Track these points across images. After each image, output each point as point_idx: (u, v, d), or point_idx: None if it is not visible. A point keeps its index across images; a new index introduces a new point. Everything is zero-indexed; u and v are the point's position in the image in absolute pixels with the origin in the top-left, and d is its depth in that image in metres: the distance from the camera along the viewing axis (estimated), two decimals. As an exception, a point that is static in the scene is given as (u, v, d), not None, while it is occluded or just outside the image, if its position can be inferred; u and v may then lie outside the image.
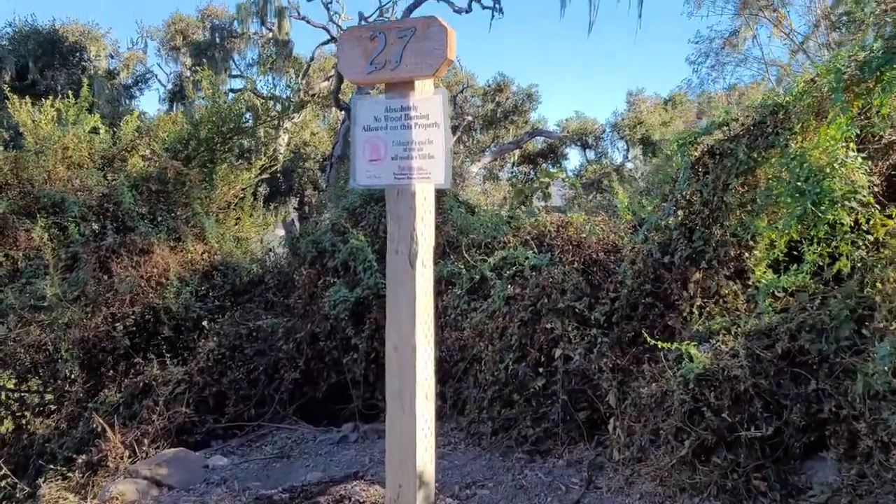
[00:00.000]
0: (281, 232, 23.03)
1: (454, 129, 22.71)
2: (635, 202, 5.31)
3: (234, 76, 24.52)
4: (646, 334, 4.34)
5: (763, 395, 3.69)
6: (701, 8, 15.15)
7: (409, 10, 19.80)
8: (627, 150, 28.77)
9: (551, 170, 8.53)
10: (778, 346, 3.73)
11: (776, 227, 4.15)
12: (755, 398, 3.68)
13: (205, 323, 6.38)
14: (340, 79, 16.96)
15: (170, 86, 24.42)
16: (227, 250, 7.47)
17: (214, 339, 6.06)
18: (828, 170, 3.84)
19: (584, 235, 5.22)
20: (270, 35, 24.61)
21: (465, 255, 5.47)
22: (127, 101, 24.04)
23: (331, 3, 22.12)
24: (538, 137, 26.54)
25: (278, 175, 21.51)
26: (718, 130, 4.45)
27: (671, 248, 4.48)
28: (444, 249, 5.73)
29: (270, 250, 7.58)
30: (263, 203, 21.43)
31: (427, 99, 2.72)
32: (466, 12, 20.22)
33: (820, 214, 3.79)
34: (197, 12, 23.78)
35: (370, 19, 20.13)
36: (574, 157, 30.61)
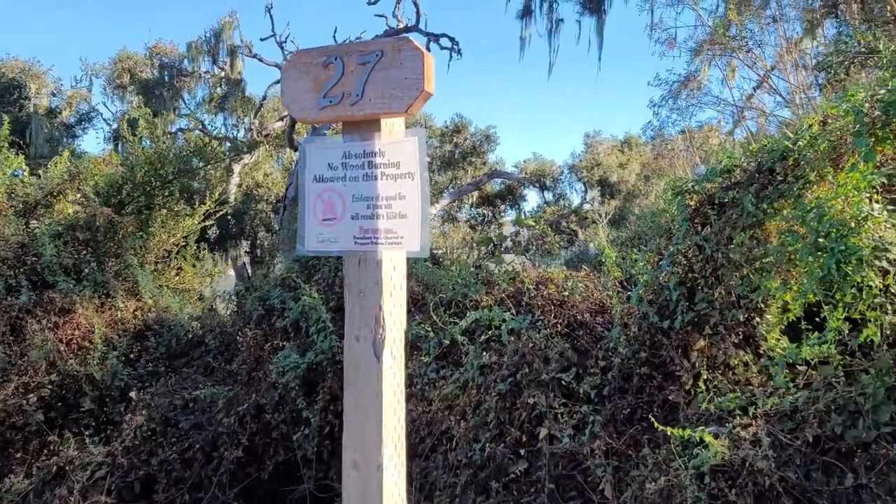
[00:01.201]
0: (232, 274, 22.02)
1: (412, 170, 22.23)
2: (623, 256, 4.77)
3: (184, 115, 23.70)
4: (645, 412, 3.77)
5: (792, 492, 3.11)
6: (673, 48, 14.98)
7: (366, 49, 19.41)
8: (585, 191, 28.69)
9: (522, 216, 7.99)
10: (806, 430, 3.18)
11: (790, 288, 3.65)
12: (783, 495, 3.10)
13: (132, 393, 5.56)
14: (294, 119, 16.37)
15: (115, 125, 23.40)
16: (165, 306, 6.68)
17: (143, 412, 5.26)
18: (852, 224, 3.35)
19: (566, 293, 4.65)
20: (223, 74, 23.98)
21: (433, 316, 4.83)
22: (69, 141, 22.99)
23: (285, 42, 21.61)
24: (496, 179, 26.23)
25: (229, 217, 20.66)
26: (720, 177, 3.95)
27: (670, 310, 3.93)
28: (409, 308, 5.08)
29: (212, 308, 6.79)
30: (212, 247, 20.55)
31: (398, 143, 2.12)
32: (424, 53, 19.93)
33: (847, 275, 3.29)
34: (145, 49, 22.98)
35: None
36: (532, 199, 30.31)
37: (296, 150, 17.58)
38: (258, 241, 22.61)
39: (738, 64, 11.55)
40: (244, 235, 20.96)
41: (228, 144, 24.01)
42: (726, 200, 3.86)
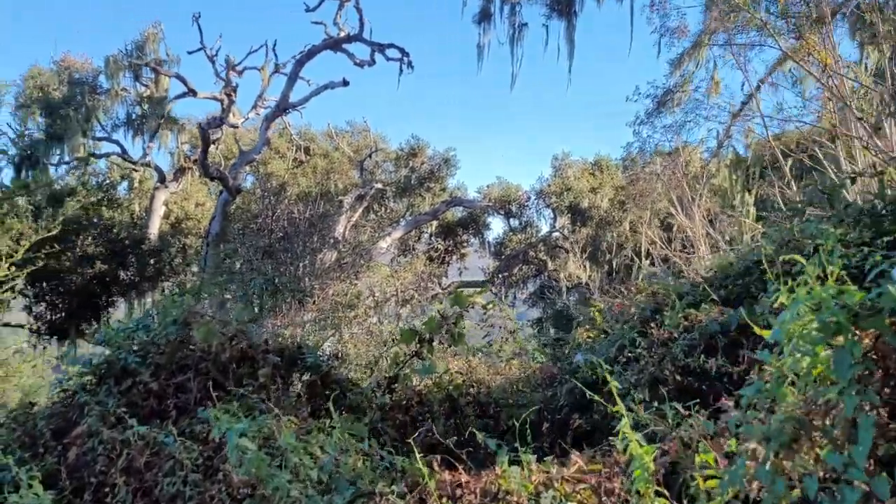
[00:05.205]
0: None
1: (361, 197, 19.64)
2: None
3: (100, 138, 20.79)
4: None
5: None
6: (685, 37, 12.24)
7: (300, 62, 16.85)
8: (554, 218, 26.29)
9: (468, 291, 5.66)
10: None
11: None
12: None
13: None
14: (207, 142, 13.67)
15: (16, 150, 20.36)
16: None
17: None
18: None
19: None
20: (147, 92, 21.15)
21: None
22: (-34, 169, 19.89)
23: (216, 55, 18.88)
24: (457, 207, 23.77)
25: (146, 254, 17.76)
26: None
27: None
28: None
29: None
30: (124, 291, 17.60)
31: None
32: (369, 65, 17.44)
33: None
34: (52, 64, 20.05)
35: (240, 66, 17.11)
36: (497, 226, 27.85)
37: (211, 179, 14.95)
38: (185, 281, 19.75)
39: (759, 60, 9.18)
40: (163, 276, 18.01)
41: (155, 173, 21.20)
42: None
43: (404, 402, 4.13)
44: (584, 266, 24.79)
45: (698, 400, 2.49)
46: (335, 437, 2.78)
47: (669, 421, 2.42)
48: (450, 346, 4.36)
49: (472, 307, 4.61)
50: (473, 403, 4.35)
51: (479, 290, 4.63)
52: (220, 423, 2.44)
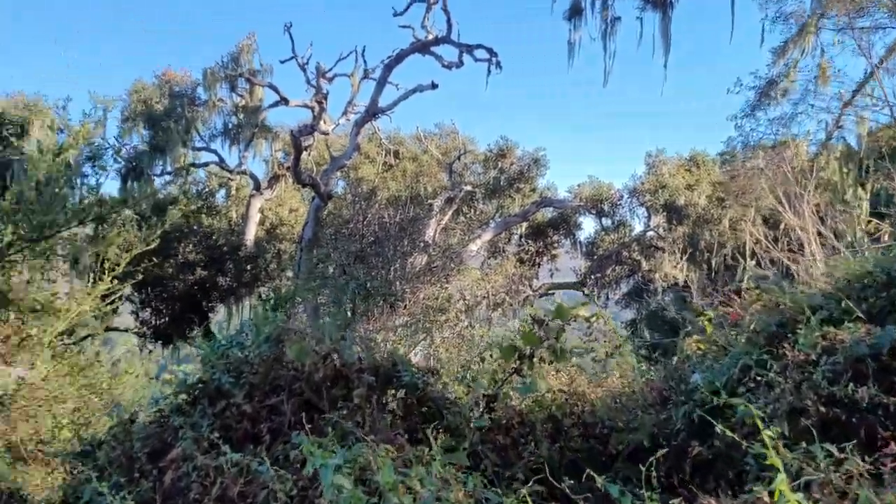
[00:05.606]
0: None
1: (450, 200, 19.50)
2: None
3: (199, 148, 21.60)
4: None
5: None
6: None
7: (389, 67, 16.89)
8: (649, 217, 25.36)
9: (569, 304, 5.38)
10: None
11: None
12: None
13: None
14: (299, 149, 13.87)
15: (122, 162, 21.44)
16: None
17: None
18: None
19: None
20: (242, 102, 21.82)
21: None
22: (77, 181, 21.11)
23: (307, 63, 19.21)
24: (547, 207, 23.31)
25: (242, 260, 18.31)
26: None
27: None
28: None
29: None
30: (223, 297, 18.16)
31: None
32: (457, 67, 17.30)
33: None
34: (154, 78, 20.97)
35: (329, 73, 17.25)
36: (588, 226, 27.11)
37: (303, 185, 15.15)
38: (280, 286, 20.25)
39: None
40: (259, 281, 18.49)
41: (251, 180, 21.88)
42: None
43: (504, 423, 3.90)
44: (682, 266, 23.81)
45: (854, 441, 2.13)
46: (435, 469, 2.58)
47: (820, 463, 2.08)
48: (551, 363, 4.10)
49: (575, 320, 4.32)
50: (578, 424, 4.07)
51: (583, 302, 4.33)
52: (315, 458, 2.29)
